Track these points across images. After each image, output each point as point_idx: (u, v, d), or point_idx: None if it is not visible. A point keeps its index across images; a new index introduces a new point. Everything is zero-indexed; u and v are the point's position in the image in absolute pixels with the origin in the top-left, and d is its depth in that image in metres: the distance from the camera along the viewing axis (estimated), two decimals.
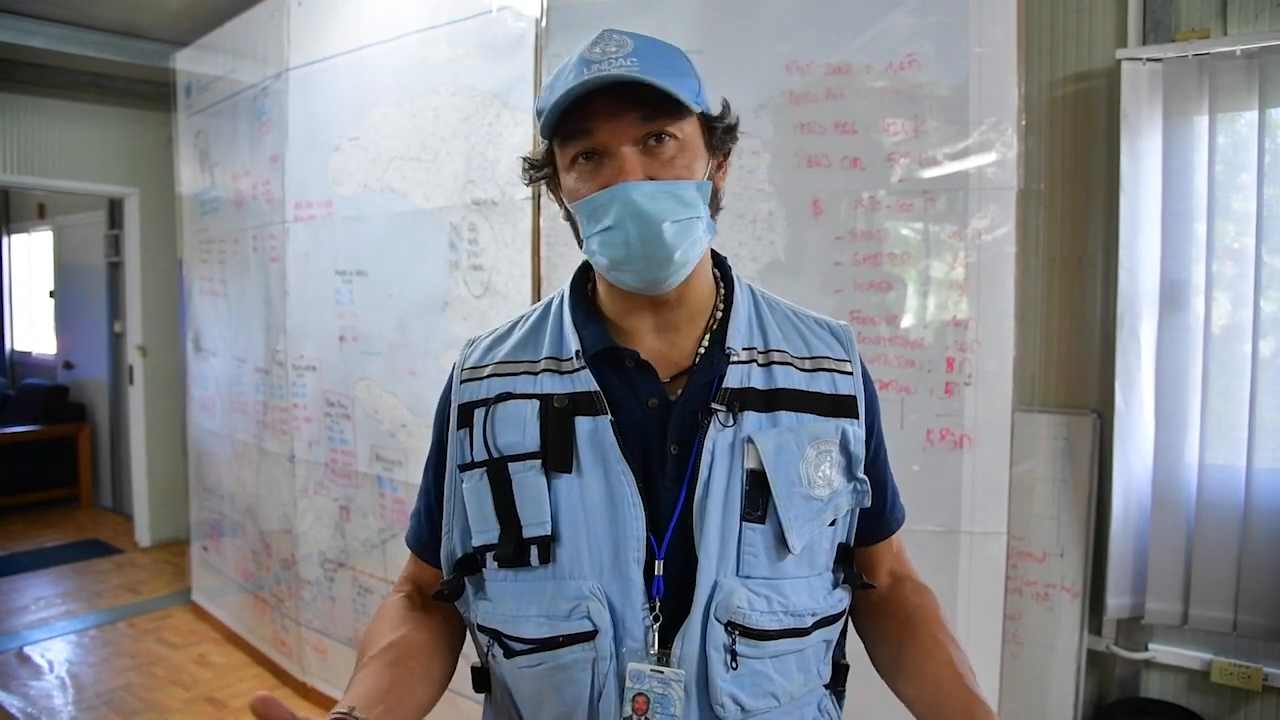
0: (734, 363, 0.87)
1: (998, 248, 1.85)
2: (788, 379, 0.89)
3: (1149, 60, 2.12)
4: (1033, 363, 2.34)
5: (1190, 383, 2.14)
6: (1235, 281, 2.12)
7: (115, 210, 5.06)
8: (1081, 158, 2.30)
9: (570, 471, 0.83)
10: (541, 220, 2.22)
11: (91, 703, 3.06)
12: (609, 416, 0.84)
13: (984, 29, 1.84)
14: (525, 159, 0.91)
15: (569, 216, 0.89)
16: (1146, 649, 2.26)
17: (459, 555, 0.90)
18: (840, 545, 0.91)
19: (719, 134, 0.87)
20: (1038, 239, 2.32)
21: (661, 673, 0.80)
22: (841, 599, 0.91)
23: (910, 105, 1.89)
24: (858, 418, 0.91)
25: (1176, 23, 2.17)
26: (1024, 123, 1.86)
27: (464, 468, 0.88)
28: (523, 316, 0.97)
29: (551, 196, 0.92)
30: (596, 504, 0.83)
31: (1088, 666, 2.29)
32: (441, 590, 0.90)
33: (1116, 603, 2.21)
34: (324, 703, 2.98)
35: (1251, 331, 2.07)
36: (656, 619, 0.81)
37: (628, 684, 0.80)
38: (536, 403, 0.86)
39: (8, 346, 6.85)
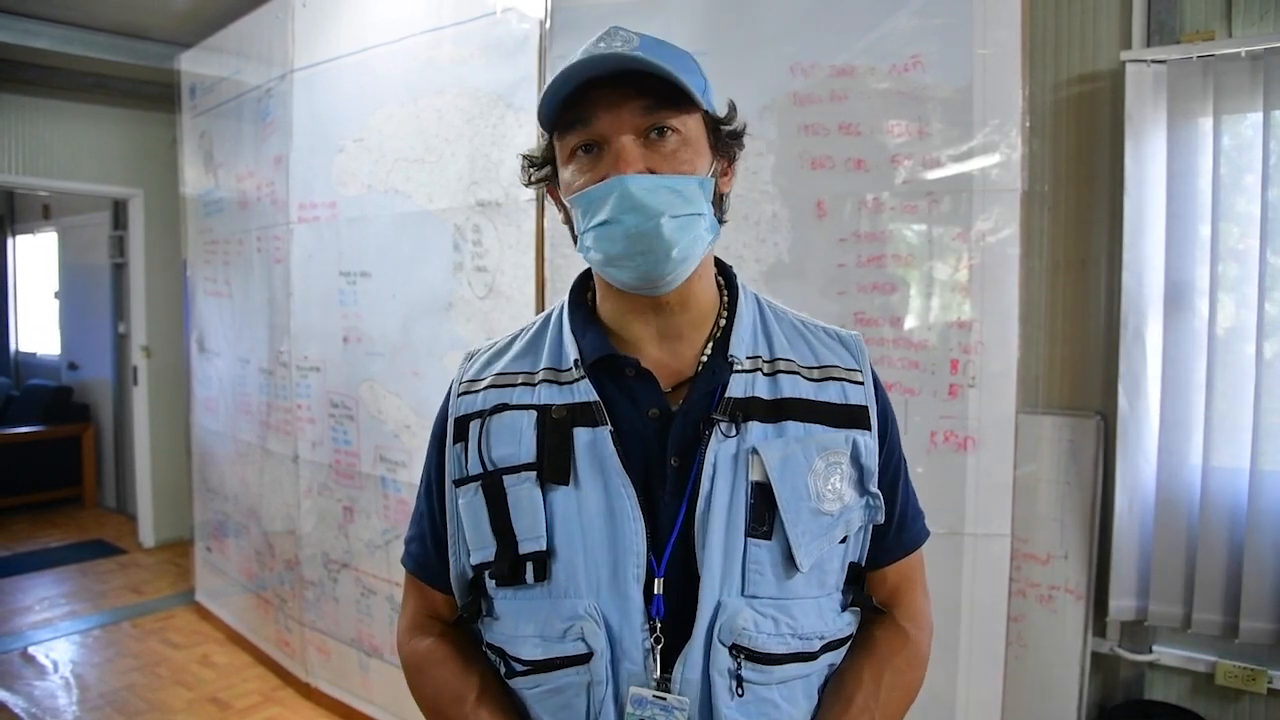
0: (737, 371, 0.84)
1: (1002, 249, 1.85)
2: (794, 388, 0.85)
3: (1153, 62, 2.12)
4: (1036, 365, 2.33)
5: (1194, 385, 2.14)
6: (1239, 283, 2.11)
7: (120, 211, 5.07)
8: (1085, 160, 2.30)
9: (567, 483, 0.80)
10: (545, 221, 2.22)
11: (95, 703, 3.06)
12: (609, 428, 0.81)
13: (988, 31, 1.84)
14: (524, 156, 0.88)
15: (568, 219, 0.86)
16: (1150, 651, 2.25)
17: (470, 577, 0.87)
18: (851, 564, 0.87)
19: (724, 136, 0.85)
20: (1042, 241, 2.32)
21: (664, 699, 0.76)
22: (850, 622, 0.87)
23: (914, 107, 1.88)
24: (870, 428, 0.86)
25: (1181, 24, 2.16)
26: (1028, 124, 1.85)
27: (459, 483, 0.85)
28: (523, 329, 0.94)
29: (551, 200, 0.88)
30: (595, 518, 0.79)
31: (1091, 669, 2.28)
32: (461, 615, 0.88)
33: (1120, 605, 2.21)
34: (327, 703, 2.99)
35: (1256, 333, 2.07)
36: (657, 641, 0.78)
37: (629, 709, 0.77)
38: (534, 413, 0.83)
39: (12, 347, 6.86)
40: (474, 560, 0.85)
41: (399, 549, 3.03)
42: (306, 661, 3.09)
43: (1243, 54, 2.04)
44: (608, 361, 0.84)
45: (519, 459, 0.82)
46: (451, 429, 0.88)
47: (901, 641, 0.90)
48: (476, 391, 0.88)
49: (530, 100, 2.24)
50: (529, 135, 2.24)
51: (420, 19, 2.50)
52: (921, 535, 0.96)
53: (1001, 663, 1.89)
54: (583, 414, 0.82)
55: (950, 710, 1.90)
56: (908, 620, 0.92)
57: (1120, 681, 2.30)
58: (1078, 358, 2.33)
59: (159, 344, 4.88)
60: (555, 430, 0.82)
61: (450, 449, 0.88)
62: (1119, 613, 2.22)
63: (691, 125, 0.80)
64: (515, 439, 0.83)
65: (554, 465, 0.81)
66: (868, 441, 0.86)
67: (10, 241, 6.76)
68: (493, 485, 0.82)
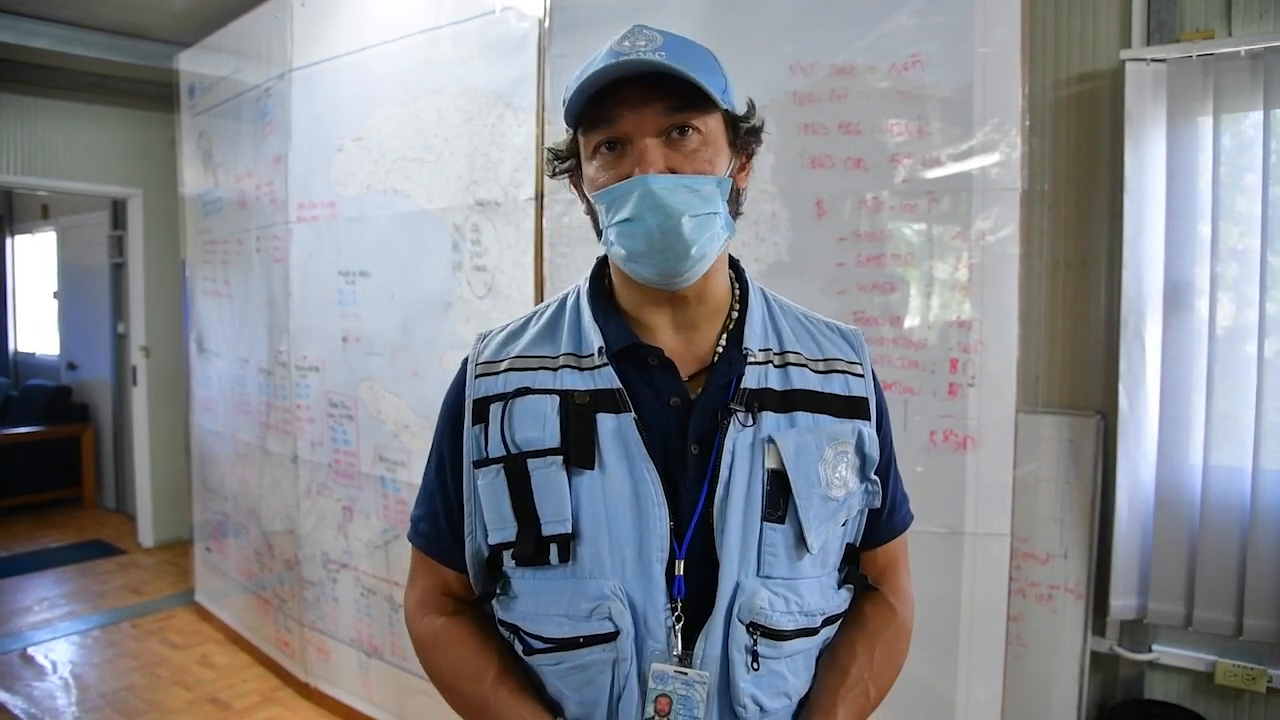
0: (751, 363, 0.87)
1: (1001, 249, 1.85)
2: (803, 380, 0.89)
3: (1153, 61, 2.12)
4: (1036, 364, 2.33)
5: (1194, 384, 2.14)
6: (1239, 283, 2.11)
7: (119, 211, 5.07)
8: (1085, 159, 2.29)
9: (592, 468, 0.83)
10: (545, 221, 2.22)
11: (95, 703, 3.06)
12: (633, 414, 0.84)
13: (988, 29, 1.84)
14: (550, 149, 0.91)
15: (590, 210, 0.88)
16: (1150, 650, 2.25)
17: (486, 555, 0.89)
18: (848, 545, 0.92)
19: (743, 133, 0.87)
20: (1041, 240, 2.32)
21: (685, 674, 0.80)
22: (846, 599, 0.92)
23: (914, 106, 1.88)
24: (870, 419, 0.91)
25: (1181, 23, 2.16)
26: (1028, 123, 1.85)
27: (479, 464, 0.87)
28: (536, 312, 0.96)
29: (574, 191, 0.92)
30: (620, 502, 0.82)
31: (1091, 668, 2.28)
32: (483, 596, 0.90)
33: (1120, 604, 2.21)
34: (327, 703, 2.99)
35: (1256, 333, 2.07)
36: (678, 619, 0.81)
37: (651, 684, 0.80)
38: (556, 398, 0.85)
39: (11, 347, 6.86)
40: (492, 540, 0.87)
41: (399, 549, 2.99)
42: (306, 661, 3.09)
43: (1242, 53, 2.04)
44: (631, 350, 0.87)
45: (543, 443, 0.84)
46: (470, 410, 0.89)
47: (889, 616, 0.96)
48: (496, 373, 0.89)
49: (530, 100, 2.23)
50: (528, 134, 2.24)
51: (419, 18, 2.50)
52: (908, 519, 1.02)
53: (1001, 662, 1.89)
54: (606, 400, 0.84)
55: (950, 710, 1.90)
56: (894, 596, 0.98)
57: (1120, 681, 2.30)
58: (1078, 357, 2.33)
59: (158, 344, 4.88)
60: (579, 416, 0.84)
61: (468, 430, 0.89)
62: (1119, 612, 2.22)
63: (712, 124, 0.83)
64: (539, 423, 0.85)
65: (579, 450, 0.83)
66: (869, 431, 0.91)
67: (9, 241, 6.75)
68: (516, 468, 0.84)
